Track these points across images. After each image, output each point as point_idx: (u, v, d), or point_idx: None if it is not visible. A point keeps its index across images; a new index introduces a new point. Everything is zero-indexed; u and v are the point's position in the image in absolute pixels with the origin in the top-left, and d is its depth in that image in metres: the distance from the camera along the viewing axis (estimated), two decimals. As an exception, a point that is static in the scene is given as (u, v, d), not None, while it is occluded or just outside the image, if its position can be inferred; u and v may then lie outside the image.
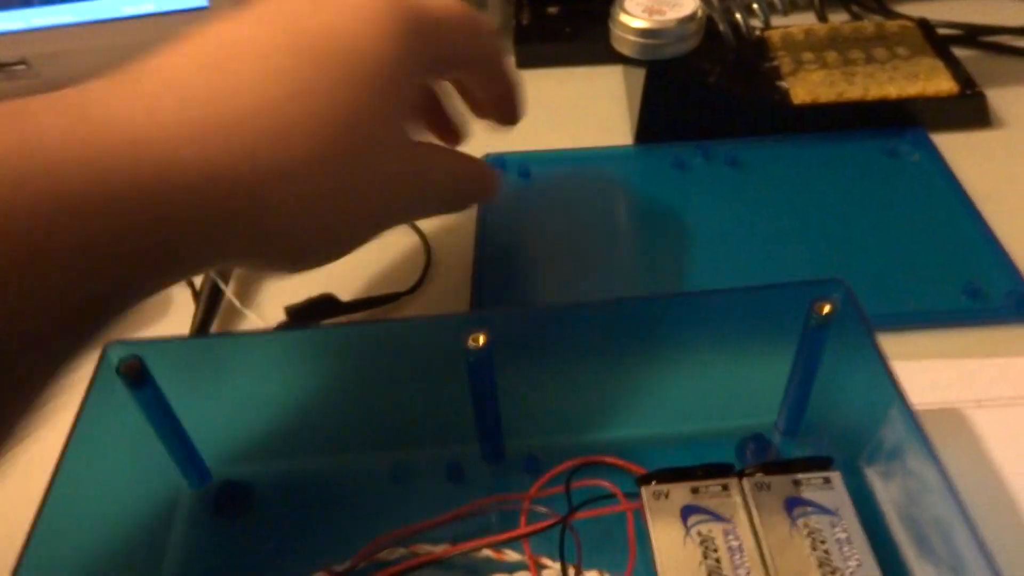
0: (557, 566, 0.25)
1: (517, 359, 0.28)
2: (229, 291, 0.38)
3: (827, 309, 0.26)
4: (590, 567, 0.25)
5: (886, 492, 0.26)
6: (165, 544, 0.28)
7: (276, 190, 0.22)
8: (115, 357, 0.26)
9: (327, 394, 0.29)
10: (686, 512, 0.25)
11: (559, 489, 0.28)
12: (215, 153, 0.21)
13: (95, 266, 0.19)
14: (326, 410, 0.29)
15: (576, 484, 0.28)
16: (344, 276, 0.39)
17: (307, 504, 0.29)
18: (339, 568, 0.26)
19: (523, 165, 0.44)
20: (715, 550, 0.24)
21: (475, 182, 0.31)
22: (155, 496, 0.29)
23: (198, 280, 0.38)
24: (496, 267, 0.39)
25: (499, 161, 0.44)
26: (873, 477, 0.27)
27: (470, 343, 0.26)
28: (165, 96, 0.21)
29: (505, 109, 0.33)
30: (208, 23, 0.24)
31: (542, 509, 0.27)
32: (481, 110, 0.33)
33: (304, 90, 0.23)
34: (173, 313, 0.38)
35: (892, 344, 0.33)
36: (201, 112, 0.21)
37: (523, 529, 0.26)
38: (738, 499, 0.26)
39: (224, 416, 0.29)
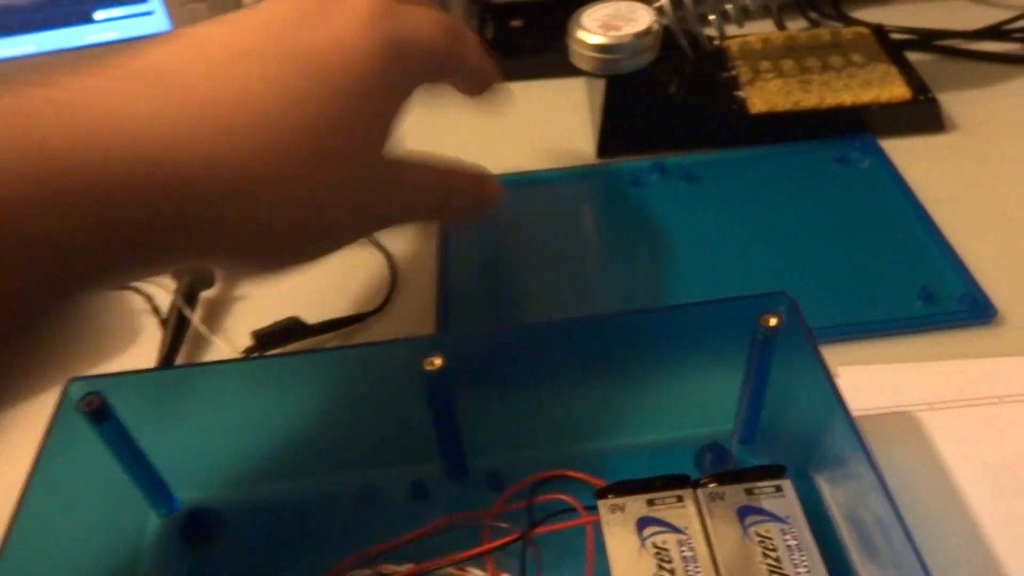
0: (518, 582, 0.26)
1: (477, 378, 0.29)
2: (195, 319, 0.38)
3: (773, 322, 0.26)
4: (549, 582, 0.26)
5: (833, 497, 0.27)
6: (134, 574, 0.29)
7: (262, 186, 0.23)
8: (76, 394, 0.26)
9: (292, 419, 0.30)
10: (642, 524, 0.26)
11: (522, 504, 0.29)
12: (206, 147, 0.22)
13: (67, 255, 0.20)
14: (292, 435, 0.30)
15: (538, 499, 0.29)
16: (310, 299, 0.40)
17: (275, 529, 0.30)
18: (305, 593, 0.27)
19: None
20: (669, 561, 0.25)
21: (465, 195, 0.32)
22: (122, 527, 0.29)
23: (164, 308, 0.39)
24: (461, 286, 0.39)
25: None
26: (821, 483, 0.28)
27: (426, 366, 0.26)
28: (156, 89, 0.22)
29: (490, 98, 0.34)
30: (197, 25, 0.25)
31: (504, 525, 0.28)
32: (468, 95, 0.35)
33: (293, 96, 0.24)
34: (141, 342, 0.38)
35: (847, 351, 0.34)
36: (193, 109, 0.22)
37: (485, 546, 0.27)
38: (692, 509, 0.26)
39: (190, 444, 0.29)
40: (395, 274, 0.40)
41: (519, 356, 0.29)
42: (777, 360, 0.28)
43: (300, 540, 0.29)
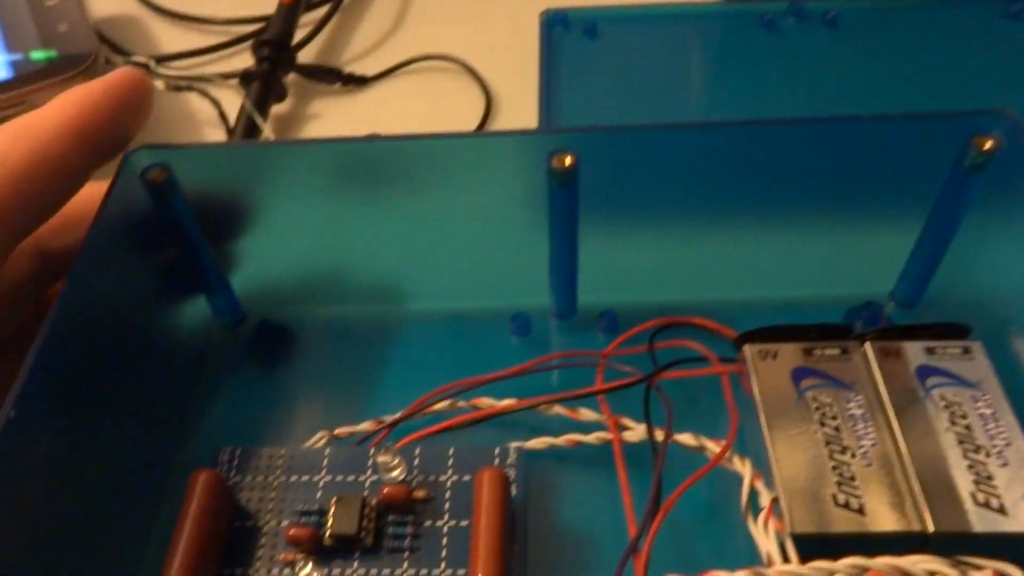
0: (641, 428, 0.22)
1: (600, 200, 0.24)
2: (267, 130, 0.34)
3: (988, 145, 0.21)
4: (682, 430, 0.22)
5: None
6: (194, 389, 0.25)
7: None
8: (139, 164, 0.22)
9: (379, 227, 0.25)
10: (798, 375, 0.22)
11: (640, 349, 0.24)
12: None
13: None
14: (377, 247, 0.26)
15: (659, 345, 0.24)
16: (390, 123, 0.36)
17: (353, 353, 0.26)
18: (390, 418, 0.23)
19: (590, 22, 0.39)
20: (833, 418, 0.21)
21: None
22: (182, 334, 0.26)
23: (232, 117, 0.34)
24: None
25: (560, 18, 0.39)
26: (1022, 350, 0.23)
27: (555, 164, 0.22)
28: None
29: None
30: None
31: (625, 368, 0.23)
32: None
33: None
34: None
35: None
36: None
37: (601, 385, 0.23)
38: (861, 364, 0.22)
39: (262, 247, 0.25)
40: (489, 101, 0.36)
41: (653, 171, 0.24)
42: (977, 199, 0.22)
43: (380, 368, 0.26)
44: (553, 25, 0.39)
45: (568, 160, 0.22)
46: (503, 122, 0.35)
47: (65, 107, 0.21)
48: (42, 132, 0.20)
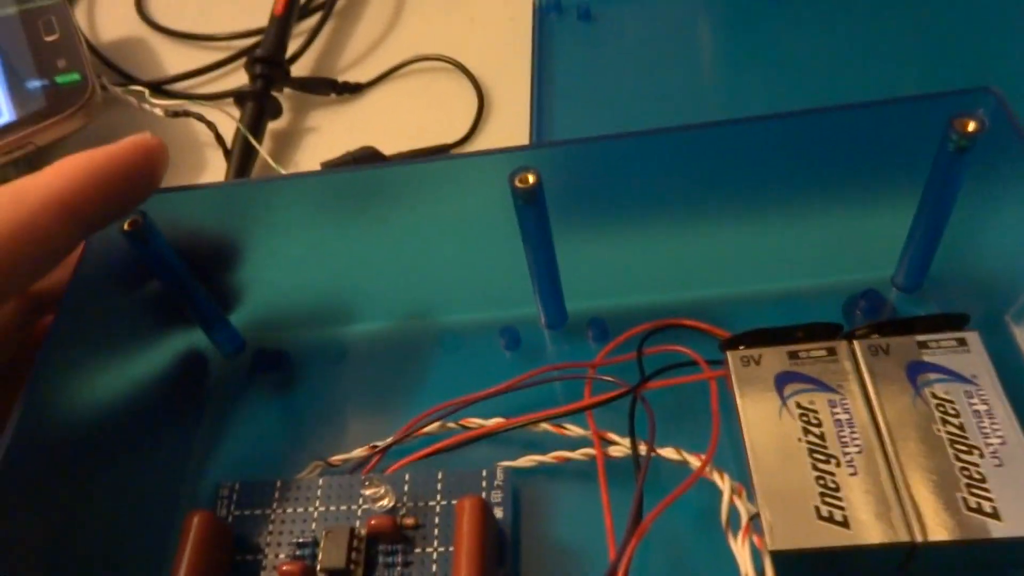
0: (626, 442, 0.22)
1: (577, 206, 0.24)
2: (262, 150, 0.34)
3: (971, 127, 0.20)
4: (665, 444, 0.21)
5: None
6: (195, 422, 0.26)
7: None
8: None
9: (367, 252, 0.26)
10: (782, 380, 0.21)
11: (629, 356, 0.24)
12: None
13: None
14: (367, 271, 0.26)
15: (649, 351, 0.24)
16: (386, 130, 0.36)
17: (349, 374, 0.27)
18: (383, 444, 0.24)
19: (583, 6, 0.37)
20: (818, 424, 0.20)
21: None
22: (179, 368, 0.26)
23: (230, 138, 0.35)
24: (556, 119, 0.33)
25: (554, 3, 0.38)
26: (1021, 336, 0.22)
27: (518, 183, 0.21)
28: None
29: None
30: None
31: (610, 379, 0.23)
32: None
33: None
34: (206, 176, 0.35)
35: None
36: None
37: (587, 400, 0.23)
38: (848, 365, 0.21)
39: (253, 278, 0.26)
40: (482, 99, 0.35)
41: (630, 174, 0.24)
42: (970, 179, 0.21)
43: (375, 389, 0.26)
44: (547, 11, 0.38)
45: (531, 178, 0.21)
46: (497, 118, 0.35)
47: (57, 178, 0.21)
48: (27, 204, 0.20)
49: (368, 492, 0.21)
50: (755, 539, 0.19)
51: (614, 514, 0.21)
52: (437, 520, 0.21)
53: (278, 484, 0.23)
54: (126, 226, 0.23)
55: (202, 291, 0.25)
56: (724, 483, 0.20)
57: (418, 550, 0.21)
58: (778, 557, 0.18)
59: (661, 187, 0.24)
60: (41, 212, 0.20)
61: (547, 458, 0.23)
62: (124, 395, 0.24)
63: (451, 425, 0.24)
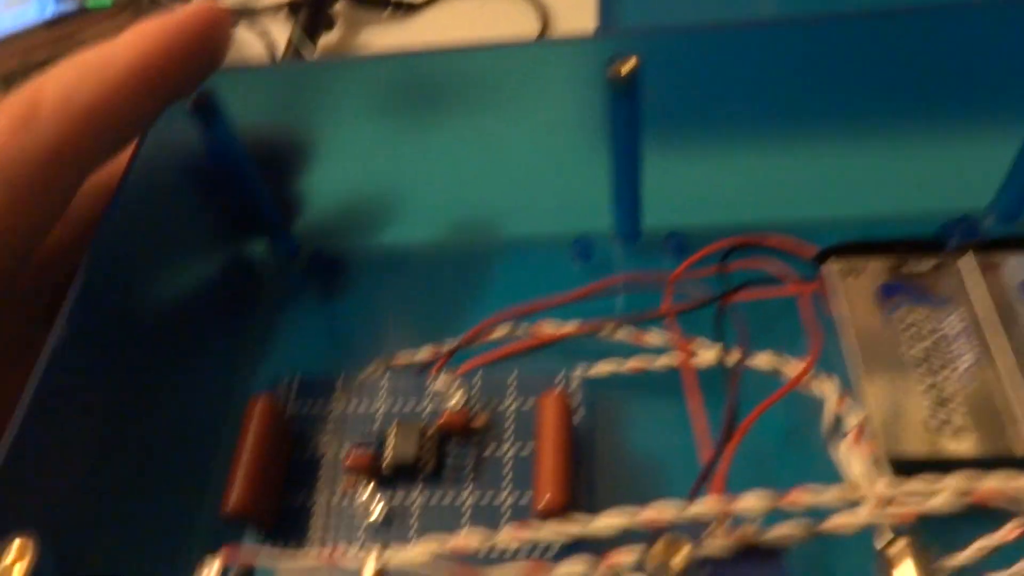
0: (712, 352, 0.21)
1: (664, 111, 0.23)
2: (315, 58, 0.33)
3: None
4: (757, 353, 0.20)
5: None
6: (248, 322, 0.25)
7: None
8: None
9: (431, 151, 0.24)
10: (886, 292, 0.20)
11: (710, 271, 0.23)
12: None
13: None
14: (430, 172, 0.25)
15: (733, 265, 0.23)
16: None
17: (409, 284, 0.25)
18: (448, 346, 0.22)
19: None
20: (926, 336, 0.19)
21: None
22: (234, 267, 0.25)
23: (281, 47, 0.33)
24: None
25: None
26: None
27: (614, 71, 0.20)
28: None
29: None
30: None
31: (691, 292, 0.22)
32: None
33: None
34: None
35: None
36: None
37: (671, 306, 0.22)
38: (955, 280, 0.20)
39: (313, 176, 0.25)
40: (545, 19, 0.34)
41: (727, 76, 0.22)
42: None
43: (436, 297, 0.25)
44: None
45: (629, 66, 0.20)
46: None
47: (138, 43, 0.19)
48: (112, 71, 0.19)
49: (438, 387, 0.20)
50: (865, 445, 0.17)
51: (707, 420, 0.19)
52: (509, 421, 0.20)
53: (339, 381, 0.22)
54: (192, 104, 0.21)
55: (261, 186, 0.24)
56: (829, 388, 0.18)
57: (490, 449, 0.20)
58: (893, 464, 0.17)
59: (755, 95, 0.23)
60: (128, 81, 0.19)
61: (625, 366, 0.21)
62: (177, 290, 0.23)
63: (521, 331, 0.23)
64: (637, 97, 0.21)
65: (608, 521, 0.15)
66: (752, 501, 0.14)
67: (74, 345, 0.17)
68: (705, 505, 0.14)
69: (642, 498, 0.20)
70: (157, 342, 0.21)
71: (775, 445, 0.20)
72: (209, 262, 0.24)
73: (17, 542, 0.13)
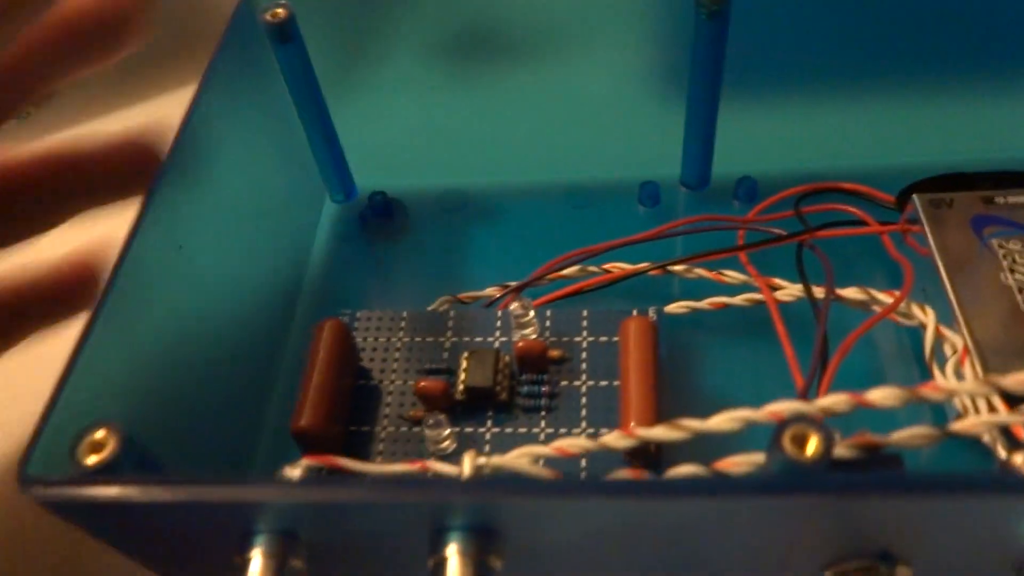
0: (794, 288, 0.20)
1: (736, 54, 0.22)
2: None
3: None
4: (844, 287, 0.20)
5: None
6: (308, 260, 0.24)
7: None
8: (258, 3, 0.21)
9: (498, 93, 0.24)
10: (979, 222, 0.19)
11: (785, 215, 0.22)
12: None
13: None
14: (496, 115, 0.24)
15: (807, 210, 0.22)
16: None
17: (471, 227, 0.25)
18: (516, 283, 0.22)
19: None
20: (1021, 266, 0.18)
21: None
22: (293, 204, 0.24)
23: None
24: None
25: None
26: None
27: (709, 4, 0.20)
28: None
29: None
30: None
31: (768, 231, 0.21)
32: None
33: None
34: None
35: None
36: None
37: (750, 243, 0.21)
38: (1051, 212, 0.19)
39: (376, 113, 0.24)
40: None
41: (808, 23, 0.22)
42: None
43: (500, 241, 0.24)
44: None
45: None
46: None
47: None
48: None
49: (514, 309, 0.19)
50: (970, 369, 0.17)
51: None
52: (584, 355, 0.20)
53: (405, 314, 0.21)
54: (269, 16, 0.21)
55: (327, 112, 0.23)
56: (927, 315, 0.18)
57: (565, 383, 0.19)
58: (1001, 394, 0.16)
59: (833, 39, 0.22)
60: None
61: (703, 304, 0.21)
62: (239, 213, 0.22)
63: (591, 269, 0.22)
64: (726, 21, 0.20)
65: (730, 415, 0.14)
66: (882, 395, 0.13)
67: (140, 258, 0.16)
68: (835, 399, 0.13)
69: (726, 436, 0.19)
70: (216, 268, 0.20)
71: (864, 381, 0.19)
72: (270, 197, 0.24)
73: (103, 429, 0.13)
